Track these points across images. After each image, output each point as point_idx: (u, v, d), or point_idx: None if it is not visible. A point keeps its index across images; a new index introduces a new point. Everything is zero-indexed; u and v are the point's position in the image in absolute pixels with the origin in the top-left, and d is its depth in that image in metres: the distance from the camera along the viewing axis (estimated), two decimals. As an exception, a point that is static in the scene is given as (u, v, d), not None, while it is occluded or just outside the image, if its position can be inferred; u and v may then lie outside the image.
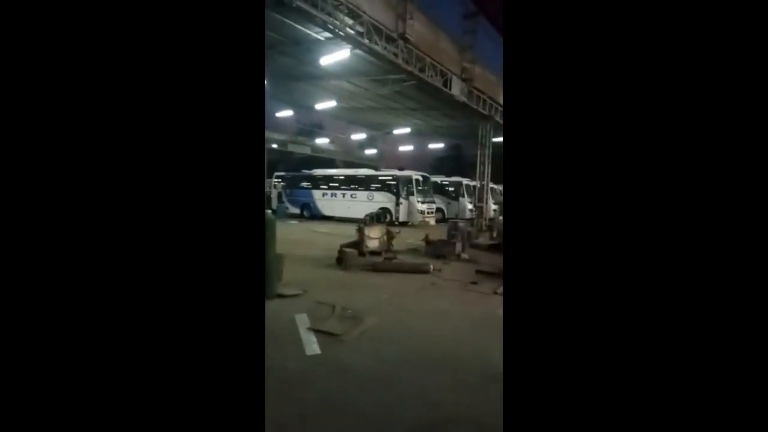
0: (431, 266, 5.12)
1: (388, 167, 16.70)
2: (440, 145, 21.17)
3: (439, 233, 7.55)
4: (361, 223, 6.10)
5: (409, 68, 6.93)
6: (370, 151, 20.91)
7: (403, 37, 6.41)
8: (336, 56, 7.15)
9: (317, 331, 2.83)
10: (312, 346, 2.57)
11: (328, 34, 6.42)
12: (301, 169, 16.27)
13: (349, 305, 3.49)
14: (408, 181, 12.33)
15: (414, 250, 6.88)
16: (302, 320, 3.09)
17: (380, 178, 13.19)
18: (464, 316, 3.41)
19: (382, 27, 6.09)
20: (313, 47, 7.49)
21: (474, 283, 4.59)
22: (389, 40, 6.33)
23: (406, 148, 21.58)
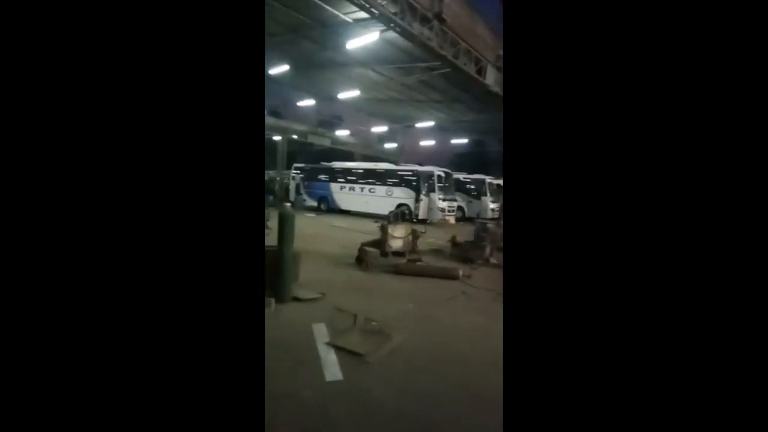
0: (460, 271, 4.64)
1: (407, 162, 16.19)
2: (463, 141, 20.46)
3: (460, 232, 7.03)
4: (385, 221, 5.65)
5: (443, 53, 6.38)
6: (390, 145, 20.40)
7: (438, 17, 5.86)
8: (364, 39, 6.68)
9: (338, 348, 2.42)
10: (332, 368, 2.16)
11: (356, 16, 5.96)
12: (320, 161, 15.95)
13: (373, 314, 3.07)
14: (429, 176, 11.78)
15: (437, 251, 6.40)
16: (320, 332, 2.69)
17: (400, 172, 12.68)
18: (506, 336, 2.93)
19: (417, 5, 5.56)
20: (340, 30, 7.05)
21: (511, 294, 4.08)
22: (424, 20, 5.80)
23: (427, 143, 20.97)
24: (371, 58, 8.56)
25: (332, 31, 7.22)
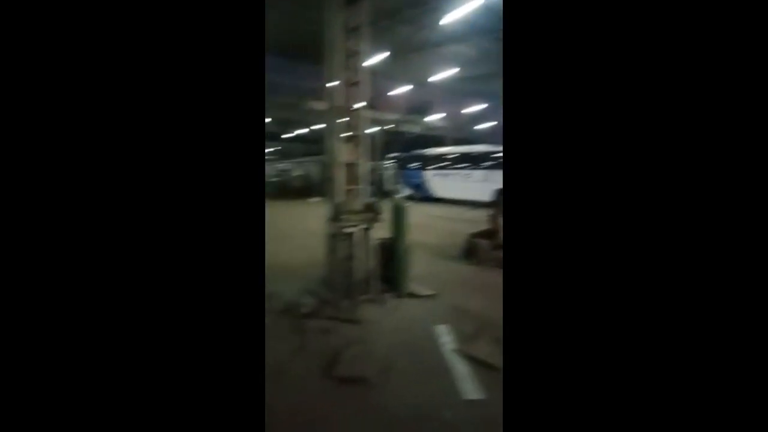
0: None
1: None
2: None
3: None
4: (495, 209, 5.09)
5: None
6: (485, 125, 18.94)
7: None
8: (465, 9, 6.07)
9: (468, 356, 2.14)
10: (468, 383, 1.90)
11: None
12: (412, 148, 15.82)
13: (496, 317, 2.70)
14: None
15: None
16: (444, 335, 2.45)
17: (498, 154, 11.58)
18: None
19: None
20: (437, 6, 6.57)
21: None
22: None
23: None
24: (469, 31, 7.84)
25: (430, 8, 6.80)
